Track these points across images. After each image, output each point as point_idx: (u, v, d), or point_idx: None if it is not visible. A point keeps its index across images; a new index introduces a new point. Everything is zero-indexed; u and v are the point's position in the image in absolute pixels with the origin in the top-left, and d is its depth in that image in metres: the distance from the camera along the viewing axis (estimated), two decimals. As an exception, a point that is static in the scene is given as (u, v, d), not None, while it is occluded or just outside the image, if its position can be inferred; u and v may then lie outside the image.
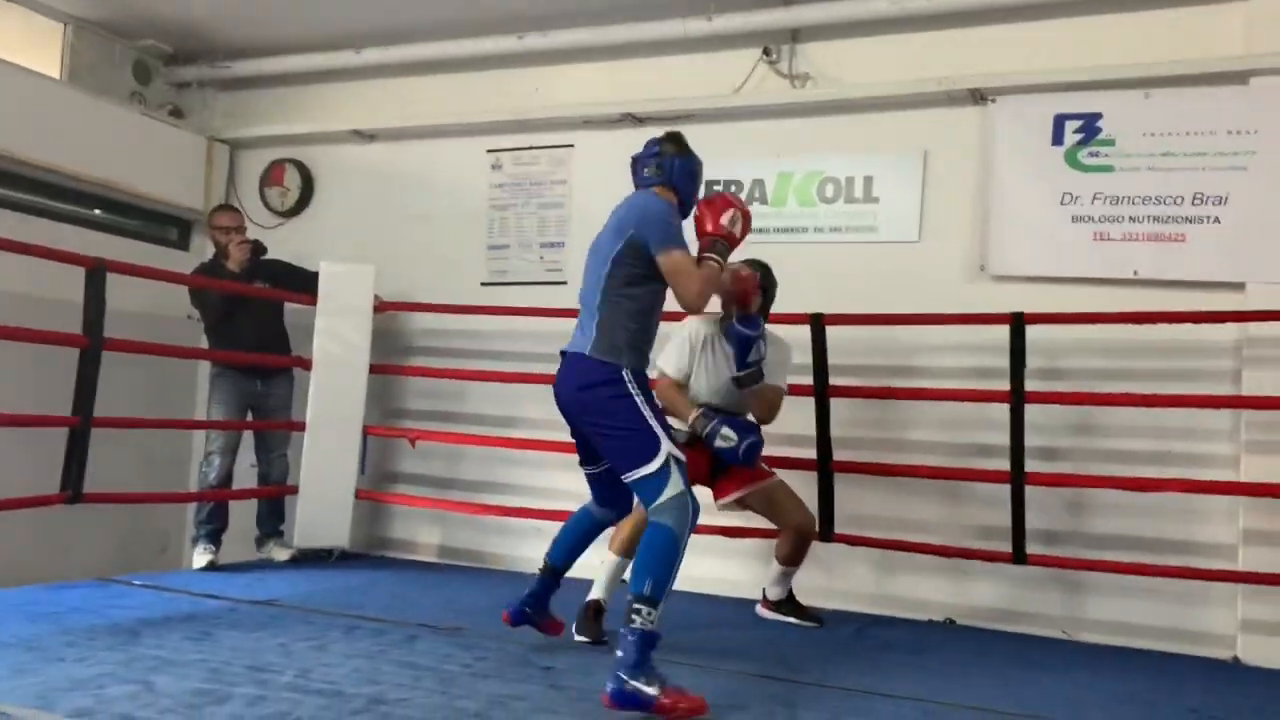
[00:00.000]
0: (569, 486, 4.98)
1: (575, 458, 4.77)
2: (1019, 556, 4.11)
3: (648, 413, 2.89)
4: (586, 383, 2.96)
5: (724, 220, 3.07)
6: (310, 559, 5.16)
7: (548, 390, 5.00)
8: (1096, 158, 4.40)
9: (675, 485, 2.81)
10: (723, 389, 3.92)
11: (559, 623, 3.50)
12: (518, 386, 5.19)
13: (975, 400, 4.34)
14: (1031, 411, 4.11)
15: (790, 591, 4.21)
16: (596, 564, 3.73)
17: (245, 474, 5.33)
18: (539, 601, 3.46)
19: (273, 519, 5.22)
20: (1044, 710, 3.00)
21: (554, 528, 4.92)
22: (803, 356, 4.36)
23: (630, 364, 2.95)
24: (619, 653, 2.68)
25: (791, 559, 4.13)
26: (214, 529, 4.95)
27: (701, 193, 3.29)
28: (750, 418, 3.93)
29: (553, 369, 4.95)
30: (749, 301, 3.74)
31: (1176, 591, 4.15)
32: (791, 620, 4.16)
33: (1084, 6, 4.49)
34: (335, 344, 5.13)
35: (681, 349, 3.91)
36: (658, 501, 2.81)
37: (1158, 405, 4.03)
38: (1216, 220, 4.20)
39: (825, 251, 4.90)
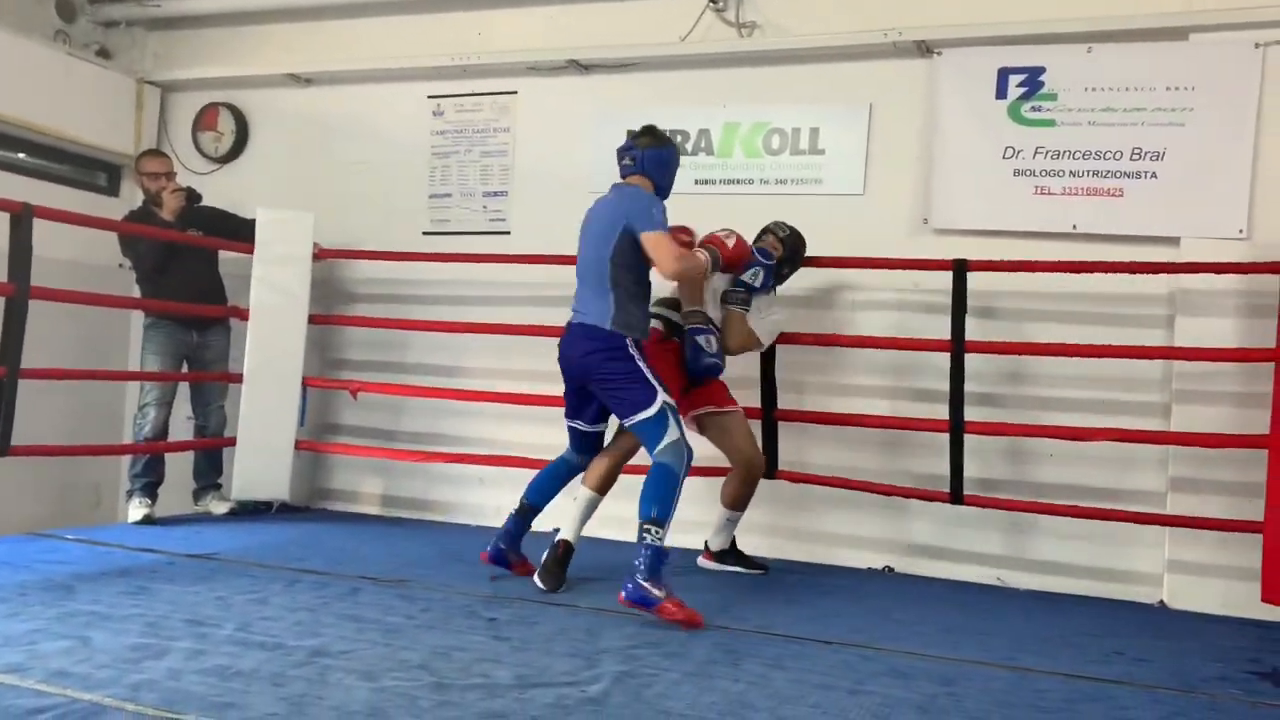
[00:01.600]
0: (512, 437, 4.98)
1: (518, 409, 4.83)
2: (956, 497, 4.19)
3: (647, 371, 3.48)
4: (595, 348, 3.50)
5: (718, 233, 3.86)
6: (249, 512, 5.10)
7: (491, 340, 5.08)
8: (1039, 112, 4.43)
9: (673, 433, 3.40)
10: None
11: (530, 565, 3.78)
12: (461, 337, 5.14)
13: (916, 349, 4.39)
14: (971, 361, 4.17)
15: (733, 541, 4.26)
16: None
17: (181, 427, 5.24)
18: (513, 540, 3.82)
19: (210, 472, 5.14)
20: (979, 654, 3.08)
21: (498, 475, 5.01)
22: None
23: (636, 335, 3.55)
24: (635, 563, 3.21)
25: (737, 502, 4.17)
26: (149, 482, 4.86)
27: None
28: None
29: (496, 317, 5.02)
30: (738, 263, 3.97)
31: (1107, 538, 4.26)
32: (737, 570, 4.21)
33: (1030, -41, 4.50)
34: (273, 293, 5.02)
35: None
36: (659, 445, 3.37)
37: (1093, 355, 4.10)
38: (1154, 175, 4.26)
39: (771, 204, 4.87)
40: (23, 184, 5.25)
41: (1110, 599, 4.21)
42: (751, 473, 4.13)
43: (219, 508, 5.06)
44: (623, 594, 3.19)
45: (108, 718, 2.13)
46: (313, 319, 5.18)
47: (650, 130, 3.75)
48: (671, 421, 3.40)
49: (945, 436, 4.17)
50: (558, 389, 3.82)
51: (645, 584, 3.17)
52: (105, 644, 2.66)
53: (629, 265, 3.54)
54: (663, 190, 3.69)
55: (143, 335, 5.03)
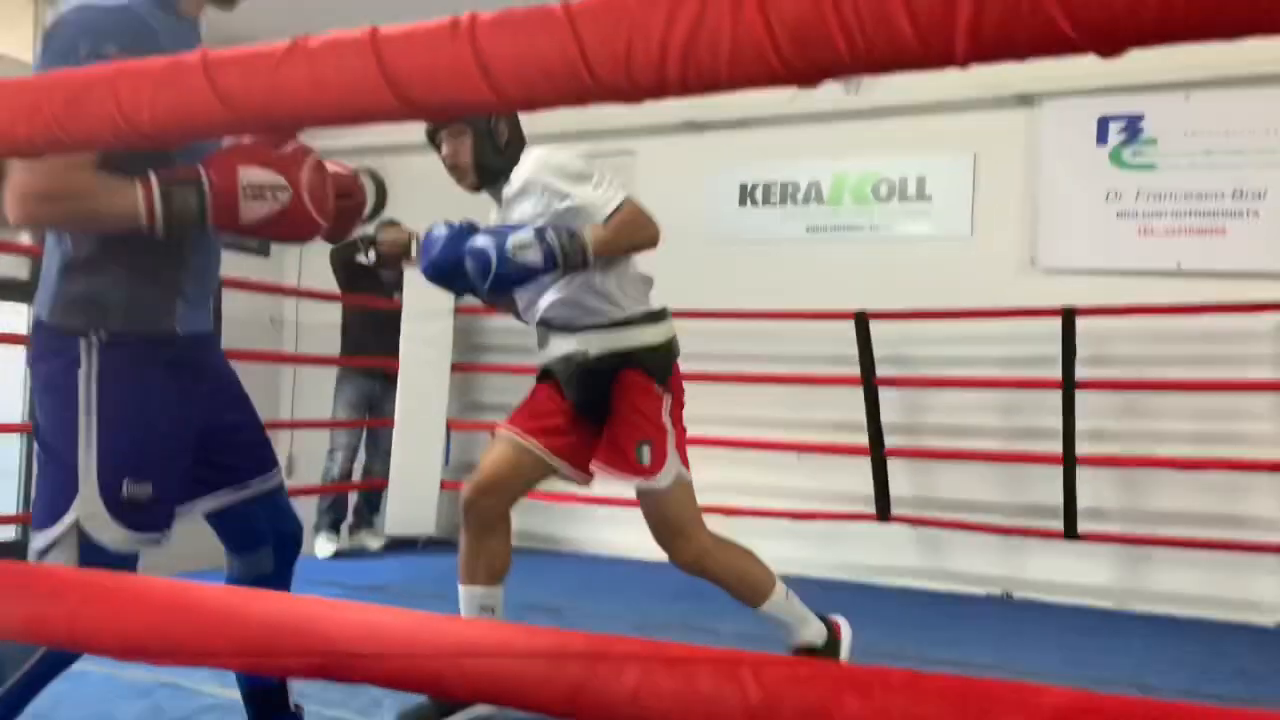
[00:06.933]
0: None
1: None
2: (1070, 533, 4.40)
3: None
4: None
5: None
6: (399, 546, 5.53)
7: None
8: (1140, 156, 4.65)
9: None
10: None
11: None
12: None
13: (1028, 388, 4.62)
14: (1082, 395, 4.38)
15: None
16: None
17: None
18: None
19: (369, 510, 5.60)
20: (1104, 675, 3.29)
21: (622, 513, 5.32)
22: (849, 348, 4.70)
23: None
24: None
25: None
26: (335, 519, 5.36)
27: None
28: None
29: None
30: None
31: (1225, 563, 4.42)
32: None
33: (1125, 11, 4.72)
34: (420, 345, 5.47)
35: None
36: None
37: (1202, 390, 4.30)
38: (1256, 214, 4.44)
39: (881, 249, 5.18)
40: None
41: (1229, 621, 4.35)
42: None
43: (373, 542, 5.51)
44: None
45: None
46: (454, 367, 5.61)
47: None
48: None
49: (1059, 469, 4.39)
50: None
51: None
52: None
53: None
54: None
55: (335, 384, 5.56)
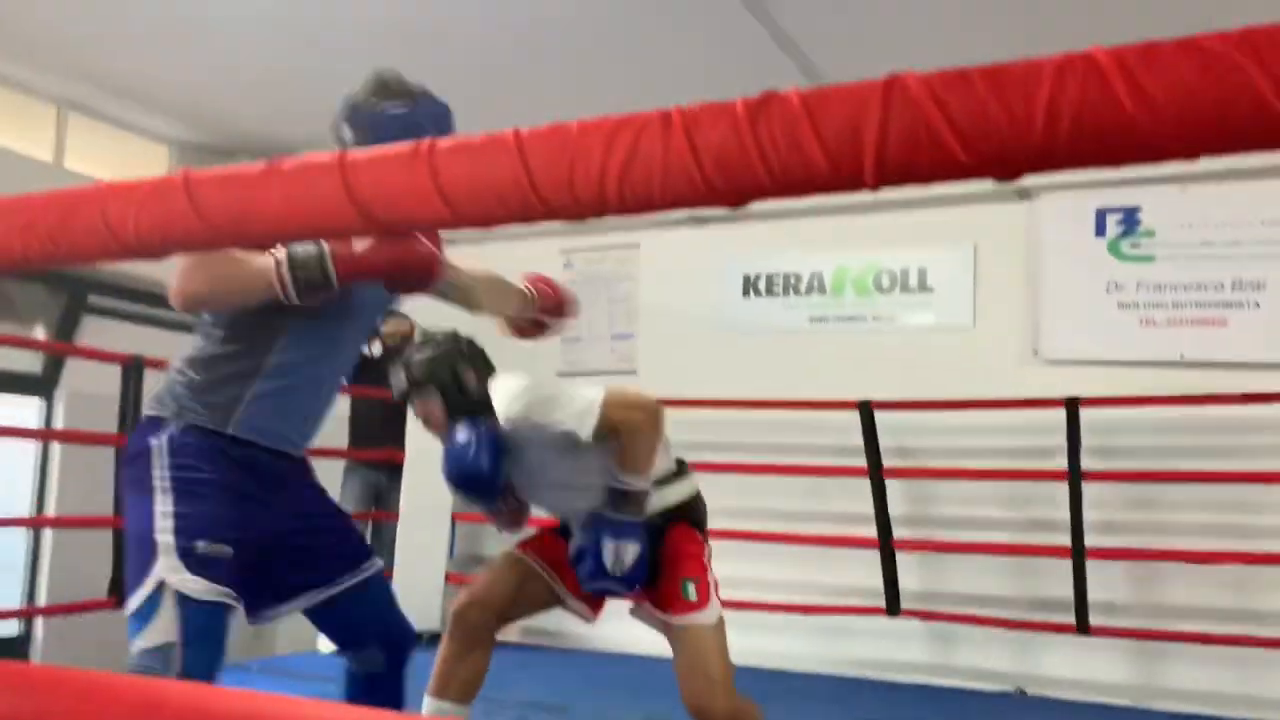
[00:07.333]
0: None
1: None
2: (1082, 627, 4.34)
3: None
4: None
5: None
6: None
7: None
8: (1138, 248, 4.71)
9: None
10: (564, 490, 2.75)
11: None
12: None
13: (1034, 479, 4.60)
14: (1090, 487, 4.36)
15: None
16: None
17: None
18: None
19: (375, 604, 5.56)
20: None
21: (627, 608, 5.27)
22: (854, 438, 4.70)
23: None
24: None
25: None
26: None
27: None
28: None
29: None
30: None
31: (1243, 659, 4.34)
32: None
33: (1118, 108, 4.83)
34: (426, 437, 5.48)
35: None
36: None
37: (1209, 481, 4.28)
38: (1256, 305, 4.48)
39: (884, 339, 5.23)
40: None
41: (1246, 719, 4.27)
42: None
43: (378, 638, 5.45)
44: None
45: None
46: (462, 459, 5.63)
47: (379, 84, 2.08)
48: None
49: (1068, 562, 4.34)
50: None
51: None
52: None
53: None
54: None
55: (342, 477, 5.54)
